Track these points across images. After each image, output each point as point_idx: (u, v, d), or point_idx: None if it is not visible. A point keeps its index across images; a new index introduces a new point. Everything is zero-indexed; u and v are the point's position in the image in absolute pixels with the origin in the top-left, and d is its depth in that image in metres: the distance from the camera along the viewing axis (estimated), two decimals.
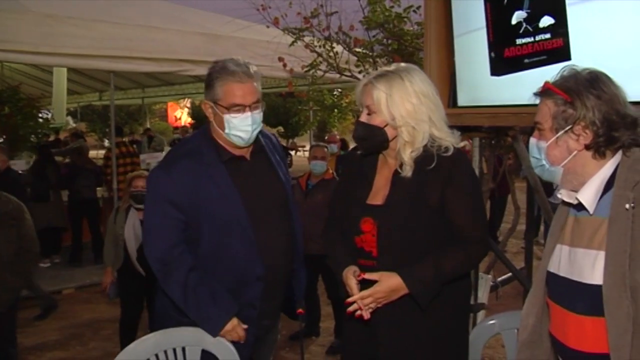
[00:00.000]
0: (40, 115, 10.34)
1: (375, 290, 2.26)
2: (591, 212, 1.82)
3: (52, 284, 7.65)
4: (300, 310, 2.77)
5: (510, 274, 4.65)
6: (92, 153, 12.55)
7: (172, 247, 2.58)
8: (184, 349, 2.59)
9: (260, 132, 2.74)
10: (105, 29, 7.38)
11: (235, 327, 2.57)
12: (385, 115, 2.34)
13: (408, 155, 2.34)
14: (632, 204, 1.70)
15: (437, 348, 2.39)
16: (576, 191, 1.86)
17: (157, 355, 2.56)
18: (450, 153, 2.34)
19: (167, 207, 2.57)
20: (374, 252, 2.36)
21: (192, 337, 2.60)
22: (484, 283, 3.69)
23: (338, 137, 11.34)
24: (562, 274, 1.91)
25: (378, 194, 2.44)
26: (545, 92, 1.88)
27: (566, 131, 1.82)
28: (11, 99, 9.34)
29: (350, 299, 2.31)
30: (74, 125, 18.14)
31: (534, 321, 2.05)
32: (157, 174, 2.72)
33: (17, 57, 7.23)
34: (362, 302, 2.29)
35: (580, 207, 1.86)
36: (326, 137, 11.66)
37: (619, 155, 1.82)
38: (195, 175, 2.58)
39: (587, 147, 1.81)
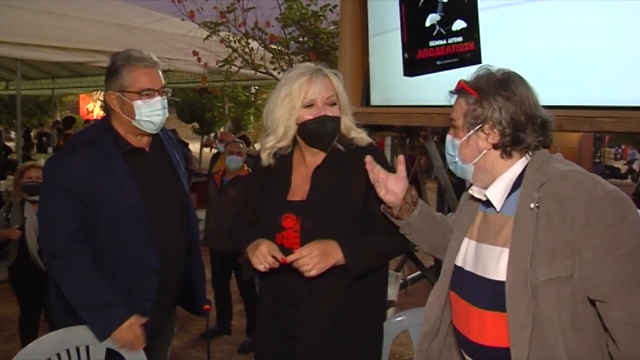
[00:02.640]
0: None
1: (311, 247, 2.21)
2: (498, 209, 1.87)
3: None
4: (207, 307, 2.73)
5: (419, 272, 4.75)
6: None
7: (71, 238, 2.49)
8: (87, 348, 2.51)
9: None
10: (12, 14, 7.09)
11: (132, 326, 2.49)
12: (343, 106, 2.39)
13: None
14: (536, 204, 1.74)
15: (353, 343, 2.39)
16: (486, 188, 1.90)
17: (59, 355, 2.46)
18: (367, 146, 2.38)
19: (66, 195, 2.49)
20: (294, 248, 2.34)
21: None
22: (394, 280, 3.75)
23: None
24: (467, 268, 1.94)
25: (297, 191, 2.42)
26: (459, 90, 1.91)
27: (476, 130, 1.85)
28: None
29: (290, 258, 2.23)
30: None
31: (438, 312, 2.08)
32: (55, 161, 2.67)
33: None
34: (300, 262, 2.22)
35: (488, 203, 1.90)
36: (219, 136, 11.47)
37: (528, 155, 1.86)
38: (93, 164, 2.51)
39: (495, 147, 1.85)
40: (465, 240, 2.01)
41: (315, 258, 2.21)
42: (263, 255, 2.27)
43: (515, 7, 2.83)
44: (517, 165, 1.86)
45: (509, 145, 1.84)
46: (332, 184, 2.36)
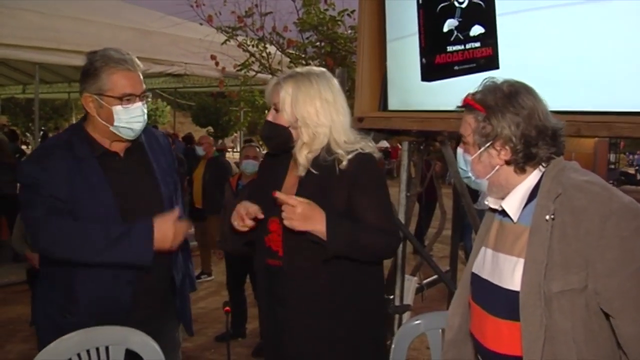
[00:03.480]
0: None
1: (298, 202, 2.20)
2: (515, 220, 1.86)
3: None
4: (227, 308, 2.74)
5: (435, 277, 4.74)
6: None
7: (45, 215, 2.42)
8: (107, 348, 2.53)
9: (145, 129, 2.66)
10: (31, 19, 7.15)
11: (165, 224, 2.45)
12: (289, 115, 2.35)
13: (304, 157, 2.36)
14: (552, 216, 1.73)
15: (343, 349, 2.39)
16: (502, 199, 1.89)
17: (79, 355, 2.49)
18: (354, 155, 2.34)
19: (44, 197, 2.42)
20: (280, 251, 2.38)
21: (116, 336, 2.53)
22: (410, 285, 3.75)
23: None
24: (484, 276, 1.94)
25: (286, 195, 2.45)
26: (465, 106, 1.89)
27: (487, 147, 1.83)
28: None
29: (278, 196, 2.23)
30: None
31: (460, 321, 2.08)
32: (30, 165, 2.58)
33: None
34: (285, 208, 2.22)
35: (505, 212, 1.89)
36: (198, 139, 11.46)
37: (543, 166, 1.84)
38: (68, 167, 2.45)
39: (508, 163, 1.83)
40: (483, 248, 2.01)
41: (297, 215, 2.20)
42: (239, 215, 2.32)
43: (533, 13, 2.82)
44: (532, 177, 1.85)
45: (522, 161, 1.82)
46: (316, 190, 2.35)
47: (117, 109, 2.44)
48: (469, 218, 4.55)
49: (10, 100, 20.65)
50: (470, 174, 1.92)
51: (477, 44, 3.01)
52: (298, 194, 2.36)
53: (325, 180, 2.33)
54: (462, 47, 3.06)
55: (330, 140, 2.36)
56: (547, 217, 1.73)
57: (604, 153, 20.55)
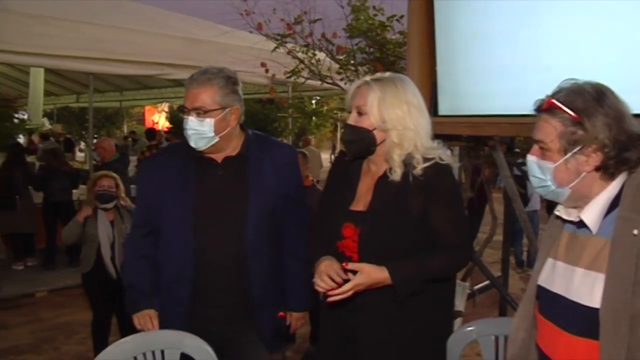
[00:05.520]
0: (16, 116, 10.19)
1: (357, 283, 2.24)
2: (594, 232, 1.75)
3: (26, 286, 7.56)
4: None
5: (486, 282, 4.69)
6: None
7: (134, 227, 2.91)
8: (162, 352, 2.58)
9: (266, 144, 2.80)
10: (84, 30, 7.30)
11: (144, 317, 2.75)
12: (376, 118, 2.35)
13: (397, 156, 2.35)
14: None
15: (414, 347, 2.39)
16: (576, 208, 1.80)
17: (135, 358, 2.54)
18: (432, 163, 2.34)
19: (139, 195, 2.90)
20: (354, 257, 2.37)
21: (171, 340, 2.59)
22: (461, 290, 3.71)
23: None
24: (556, 290, 1.85)
25: (360, 200, 2.45)
26: (549, 109, 1.77)
27: (574, 153, 1.73)
28: None
29: (332, 293, 2.26)
30: (50, 126, 17.97)
31: (524, 335, 2.00)
32: (138, 179, 3.00)
33: None
34: (342, 295, 2.27)
35: (581, 224, 1.79)
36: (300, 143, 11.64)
37: (625, 174, 1.75)
38: (166, 168, 2.75)
39: (597, 169, 1.73)
40: (550, 260, 1.91)
41: (362, 287, 2.25)
42: (319, 275, 2.31)
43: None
44: (614, 185, 1.75)
45: (613, 167, 1.72)
46: (393, 196, 2.36)
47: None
48: (521, 223, 4.49)
49: (65, 109, 21.16)
50: (548, 183, 1.80)
51: None
52: (373, 199, 2.39)
53: (402, 187, 2.34)
54: None
55: (415, 146, 2.35)
56: (635, 231, 1.63)
57: None
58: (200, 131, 2.60)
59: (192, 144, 2.63)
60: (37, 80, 11.89)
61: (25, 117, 11.98)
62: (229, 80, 2.64)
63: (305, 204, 2.91)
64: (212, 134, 2.61)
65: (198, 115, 2.59)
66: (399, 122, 2.34)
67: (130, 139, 16.63)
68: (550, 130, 1.76)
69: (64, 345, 5.86)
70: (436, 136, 2.48)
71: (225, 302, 2.72)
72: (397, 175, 2.35)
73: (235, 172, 2.71)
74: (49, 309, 7.02)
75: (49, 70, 11.47)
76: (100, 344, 4.77)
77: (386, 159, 2.40)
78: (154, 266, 2.77)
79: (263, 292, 2.73)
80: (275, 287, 2.81)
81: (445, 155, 2.40)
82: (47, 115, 19.72)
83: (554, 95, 1.77)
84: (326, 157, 29.92)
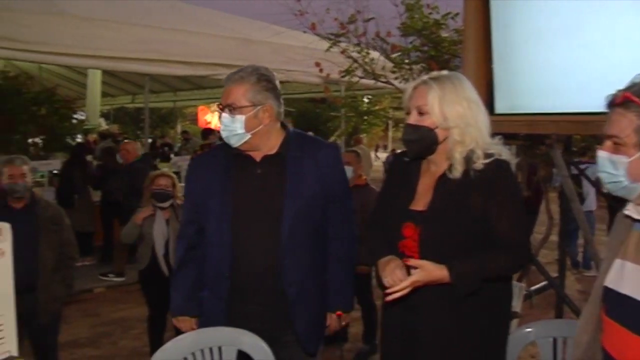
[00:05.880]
0: (74, 116, 10.46)
1: (416, 279, 2.24)
2: None
3: (84, 282, 7.71)
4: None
5: (543, 283, 4.61)
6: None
7: (184, 224, 2.97)
8: (220, 349, 2.62)
9: (307, 144, 2.80)
10: (140, 32, 7.46)
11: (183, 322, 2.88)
12: (437, 116, 2.33)
13: (459, 154, 2.33)
14: None
15: (475, 343, 2.38)
16: None
17: (193, 354, 2.58)
18: (493, 160, 2.32)
19: (187, 192, 2.98)
20: (414, 256, 2.36)
21: (228, 337, 2.62)
22: (518, 291, 3.65)
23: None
24: (624, 291, 1.79)
25: (420, 200, 2.44)
26: (624, 103, 1.73)
27: None
28: (48, 100, 9.49)
29: (391, 290, 2.27)
30: (107, 126, 18.38)
31: (589, 339, 1.95)
32: (186, 180, 3.05)
33: (54, 59, 7.35)
34: (401, 292, 2.27)
35: None
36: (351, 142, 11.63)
37: None
38: (210, 166, 2.83)
39: None
40: (618, 261, 1.85)
41: (420, 283, 2.25)
42: (391, 272, 2.30)
43: None
44: None
45: None
46: (453, 195, 2.35)
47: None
48: (578, 223, 4.40)
49: (121, 110, 21.63)
50: (621, 178, 1.76)
51: None
52: (434, 199, 2.38)
53: (462, 185, 2.33)
54: None
55: (476, 141, 2.34)
56: None
57: None
58: (232, 128, 2.65)
59: (225, 140, 2.70)
60: (95, 81, 12.19)
61: (84, 117, 12.29)
62: (262, 78, 2.67)
63: (348, 204, 2.89)
64: (243, 131, 2.64)
65: (230, 112, 2.64)
66: (460, 119, 2.33)
67: (183, 139, 16.89)
68: (625, 125, 1.72)
69: (120, 340, 5.99)
70: (493, 135, 2.45)
71: (262, 300, 2.73)
72: (457, 172, 2.34)
73: (274, 171, 2.73)
74: (106, 304, 7.20)
75: (105, 72, 11.75)
76: (156, 339, 4.87)
77: (447, 157, 2.38)
78: (200, 266, 2.84)
79: (298, 292, 2.72)
80: (312, 286, 2.78)
81: (505, 151, 2.38)
82: (104, 115, 20.18)
83: (629, 89, 1.74)
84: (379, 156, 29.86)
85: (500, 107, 3.33)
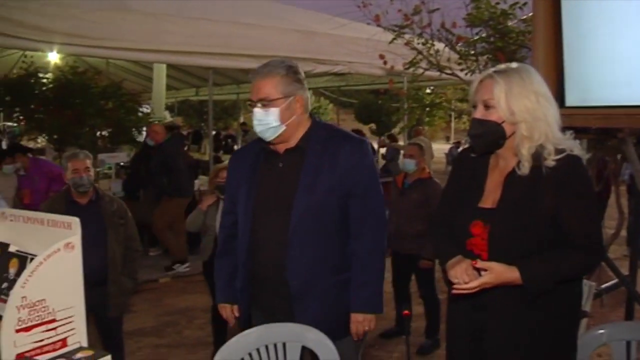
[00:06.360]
0: (140, 109, 10.66)
1: (484, 282, 2.20)
2: None
3: (149, 273, 7.89)
4: (406, 312, 2.73)
5: (614, 281, 4.47)
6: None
7: (224, 214, 3.09)
8: (284, 345, 2.62)
9: (332, 138, 2.79)
10: (203, 26, 7.57)
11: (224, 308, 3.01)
12: (504, 110, 2.27)
13: (526, 150, 2.27)
14: None
15: (545, 344, 2.31)
16: None
17: (258, 350, 2.59)
18: (564, 155, 2.24)
19: (227, 184, 3.06)
20: (483, 255, 2.31)
21: (293, 333, 2.62)
22: (587, 290, 3.54)
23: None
24: None
25: (489, 197, 2.38)
26: None
27: None
28: (115, 94, 9.68)
29: (459, 287, 2.24)
30: (171, 119, 18.70)
31: None
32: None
33: (120, 54, 7.56)
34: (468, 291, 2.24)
35: None
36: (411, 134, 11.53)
37: None
38: (244, 159, 2.93)
39: None
40: None
41: (490, 285, 2.21)
42: (461, 273, 2.25)
43: None
44: None
45: None
46: (523, 192, 2.28)
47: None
48: None
49: (185, 103, 21.98)
50: None
51: None
52: (503, 196, 2.33)
53: (533, 182, 2.26)
54: None
55: (546, 136, 2.26)
56: None
57: None
58: (266, 121, 2.68)
59: (259, 134, 2.73)
60: (160, 75, 12.39)
61: (149, 110, 12.52)
62: (290, 70, 2.70)
63: (372, 201, 2.81)
64: (278, 123, 2.69)
65: (263, 106, 2.67)
66: (528, 113, 2.26)
67: (241, 130, 17.09)
68: None
69: (185, 330, 6.10)
70: (564, 129, 2.36)
71: (272, 290, 2.80)
72: (525, 169, 2.28)
73: (293, 164, 2.76)
74: (171, 294, 7.34)
75: (170, 66, 11.94)
76: (219, 329, 4.92)
77: (515, 152, 2.32)
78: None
79: (302, 287, 2.72)
80: (319, 284, 2.75)
81: (577, 147, 2.30)
82: (169, 108, 20.56)
83: None
84: (439, 148, 29.54)
85: (571, 99, 3.21)
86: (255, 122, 2.71)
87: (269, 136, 2.72)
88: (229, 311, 2.99)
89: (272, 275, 2.76)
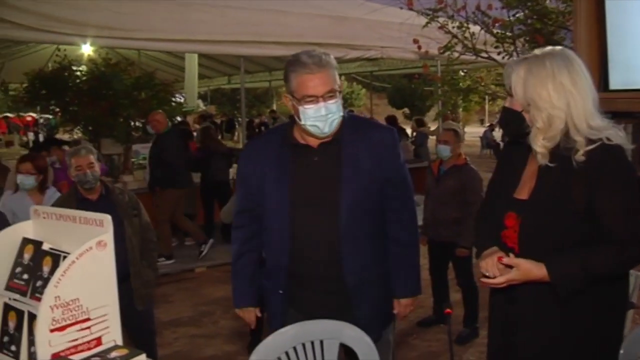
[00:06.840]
0: (173, 99, 10.73)
1: (511, 278, 2.14)
2: None
3: (186, 262, 7.94)
4: (448, 310, 2.67)
5: None
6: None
7: (238, 213, 2.89)
8: (321, 342, 2.58)
9: (361, 127, 2.75)
10: (234, 15, 7.56)
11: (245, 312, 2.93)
12: (521, 99, 2.21)
13: (540, 144, 2.17)
14: None
15: (581, 341, 2.22)
16: None
17: (295, 348, 2.56)
18: (597, 146, 2.10)
19: (240, 179, 2.93)
20: (516, 248, 2.24)
21: (330, 330, 2.58)
22: (634, 280, 3.42)
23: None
24: None
25: (524, 187, 2.30)
26: None
27: None
28: (147, 85, 9.75)
29: (486, 280, 2.23)
30: (204, 108, 18.83)
31: None
32: (239, 165, 2.99)
33: (152, 45, 7.67)
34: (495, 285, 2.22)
35: None
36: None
37: None
38: (263, 155, 2.75)
39: None
40: None
41: (515, 281, 2.17)
42: (491, 266, 2.23)
43: None
44: None
45: None
46: (554, 185, 2.18)
47: (302, 109, 2.56)
48: None
49: (217, 91, 22.10)
50: None
51: None
52: (536, 187, 2.24)
53: (564, 174, 2.15)
54: None
55: (569, 126, 2.14)
56: None
57: None
58: (337, 114, 2.60)
59: (327, 129, 2.59)
60: (192, 64, 12.46)
61: (182, 100, 12.61)
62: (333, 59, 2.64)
63: (408, 187, 2.82)
64: (340, 113, 2.61)
65: (331, 97, 2.56)
66: (544, 103, 2.14)
67: (272, 117, 17.14)
68: None
69: (221, 320, 6.11)
70: (607, 113, 2.24)
71: (322, 288, 2.73)
72: (543, 159, 2.20)
73: (330, 157, 2.68)
74: (207, 284, 7.35)
75: (202, 55, 11.96)
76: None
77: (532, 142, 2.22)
78: (258, 254, 2.91)
79: (358, 280, 2.69)
80: (372, 274, 2.75)
81: (616, 135, 2.14)
82: (201, 97, 20.69)
83: None
84: (473, 131, 29.21)
85: (616, 82, 3.08)
86: (330, 117, 2.57)
87: (331, 129, 2.61)
88: (253, 315, 2.93)
89: (322, 274, 2.70)
